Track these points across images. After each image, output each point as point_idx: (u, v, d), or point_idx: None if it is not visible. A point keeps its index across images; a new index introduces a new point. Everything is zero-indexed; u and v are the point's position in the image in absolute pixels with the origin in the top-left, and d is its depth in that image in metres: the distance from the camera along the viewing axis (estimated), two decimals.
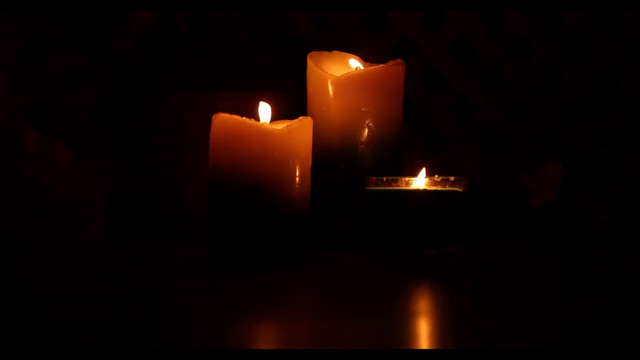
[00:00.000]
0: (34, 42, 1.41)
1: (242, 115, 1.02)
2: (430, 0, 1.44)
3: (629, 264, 1.07)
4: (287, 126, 1.02)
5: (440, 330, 0.69)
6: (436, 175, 1.02)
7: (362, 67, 1.16)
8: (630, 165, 1.45)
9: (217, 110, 1.03)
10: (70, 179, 1.20)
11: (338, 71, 1.16)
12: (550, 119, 1.48)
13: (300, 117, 1.04)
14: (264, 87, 1.33)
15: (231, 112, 1.02)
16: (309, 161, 1.03)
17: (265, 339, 0.65)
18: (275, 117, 1.05)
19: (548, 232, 1.21)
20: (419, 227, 1.01)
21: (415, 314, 0.76)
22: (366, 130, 1.13)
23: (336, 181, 1.14)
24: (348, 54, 1.18)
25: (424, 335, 0.67)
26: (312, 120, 1.05)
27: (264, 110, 1.05)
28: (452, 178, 1.02)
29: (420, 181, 1.02)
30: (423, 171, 1.03)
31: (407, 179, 1.03)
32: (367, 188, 1.04)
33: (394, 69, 1.14)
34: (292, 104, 1.22)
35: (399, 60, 1.15)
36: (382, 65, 1.14)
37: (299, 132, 1.03)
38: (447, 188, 1.01)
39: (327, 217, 1.14)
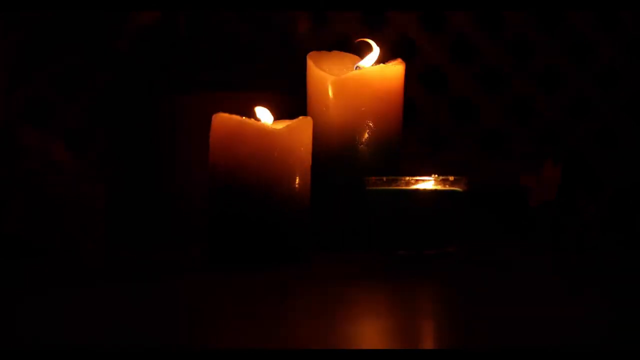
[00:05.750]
0: (34, 42, 1.41)
1: (242, 115, 1.02)
2: (430, 0, 1.44)
3: (629, 264, 1.07)
4: (287, 126, 1.02)
5: (440, 330, 0.69)
6: (436, 175, 1.02)
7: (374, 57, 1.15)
8: (630, 165, 1.45)
9: (217, 110, 1.03)
10: (70, 179, 1.20)
11: (338, 71, 1.16)
12: (550, 119, 1.48)
13: (300, 117, 1.04)
14: (264, 87, 1.33)
15: (231, 112, 1.02)
16: (309, 161, 1.03)
17: (266, 338, 0.65)
18: (275, 117, 1.05)
19: (548, 232, 1.21)
20: (419, 227, 1.01)
21: (415, 313, 0.76)
22: (366, 130, 1.13)
23: (336, 181, 1.14)
24: (348, 54, 1.18)
25: (423, 335, 0.67)
26: (312, 120, 1.05)
27: (262, 114, 1.05)
28: (452, 178, 1.02)
29: (420, 181, 1.02)
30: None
31: (407, 178, 1.03)
32: (367, 188, 1.04)
33: (394, 69, 1.14)
34: (292, 104, 1.22)
35: (399, 60, 1.15)
36: (382, 65, 1.14)
37: (299, 132, 1.03)
38: (447, 188, 1.01)
39: (327, 217, 1.14)
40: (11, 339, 0.64)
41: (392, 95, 1.14)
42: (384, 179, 1.03)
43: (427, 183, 1.02)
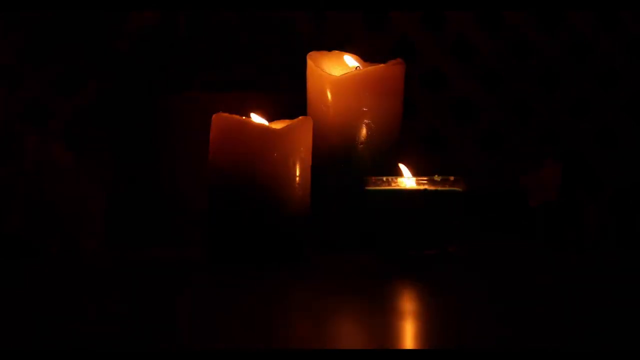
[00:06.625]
0: (34, 43, 1.41)
1: (242, 115, 1.02)
2: (430, 0, 1.44)
3: (629, 264, 1.07)
4: (287, 126, 1.02)
5: (440, 330, 0.69)
6: (436, 175, 1.02)
7: (357, 64, 1.16)
8: (630, 165, 1.45)
9: (217, 110, 1.03)
10: (70, 179, 1.20)
11: (338, 71, 1.16)
12: (550, 119, 1.48)
13: (300, 117, 1.04)
14: (264, 87, 1.33)
15: (231, 112, 1.02)
16: (309, 161, 1.03)
17: (265, 338, 0.65)
18: (275, 117, 1.05)
19: (548, 232, 1.21)
20: (418, 227, 1.01)
21: (414, 313, 0.76)
22: (366, 130, 1.13)
23: (336, 181, 1.14)
24: (348, 53, 1.18)
25: (423, 335, 0.67)
26: (312, 120, 1.05)
27: (258, 119, 1.05)
28: (452, 178, 1.02)
29: (420, 181, 1.02)
30: (405, 170, 1.03)
31: (406, 178, 1.03)
32: (367, 188, 1.04)
33: (394, 69, 1.14)
34: (292, 104, 1.22)
35: (399, 60, 1.15)
36: (382, 65, 1.14)
37: (299, 132, 1.03)
38: (447, 188, 1.01)
39: (327, 217, 1.14)
40: (11, 340, 0.64)
41: (391, 95, 1.14)
42: (384, 178, 1.03)
43: (427, 183, 1.02)
